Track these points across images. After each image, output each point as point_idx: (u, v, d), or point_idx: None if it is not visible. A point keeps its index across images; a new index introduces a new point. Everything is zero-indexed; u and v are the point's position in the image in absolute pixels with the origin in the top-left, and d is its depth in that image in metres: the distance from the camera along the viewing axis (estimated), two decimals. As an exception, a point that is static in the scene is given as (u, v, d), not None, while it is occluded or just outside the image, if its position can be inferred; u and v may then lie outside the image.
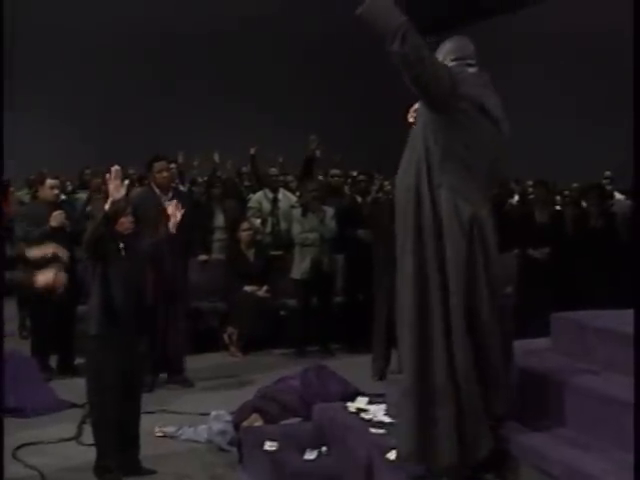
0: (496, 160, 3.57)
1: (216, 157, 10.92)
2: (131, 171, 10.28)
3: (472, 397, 3.40)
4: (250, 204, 8.92)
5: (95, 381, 4.47)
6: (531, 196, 9.70)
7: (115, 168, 4.29)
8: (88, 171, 10.43)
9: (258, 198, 8.88)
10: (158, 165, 6.61)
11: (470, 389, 3.40)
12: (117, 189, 4.28)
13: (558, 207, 9.48)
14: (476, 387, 3.41)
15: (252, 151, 9.86)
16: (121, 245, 4.52)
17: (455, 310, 3.40)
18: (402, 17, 3.27)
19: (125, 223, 4.54)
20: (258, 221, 8.67)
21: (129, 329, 4.54)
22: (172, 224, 5.17)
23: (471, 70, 3.59)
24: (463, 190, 3.43)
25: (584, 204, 8.75)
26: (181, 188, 8.80)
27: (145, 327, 4.96)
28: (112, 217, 4.37)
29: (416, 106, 3.77)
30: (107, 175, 4.34)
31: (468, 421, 3.40)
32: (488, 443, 3.43)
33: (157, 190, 6.60)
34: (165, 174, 6.63)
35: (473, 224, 3.41)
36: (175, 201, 5.77)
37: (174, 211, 5.16)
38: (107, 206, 4.33)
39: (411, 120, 3.81)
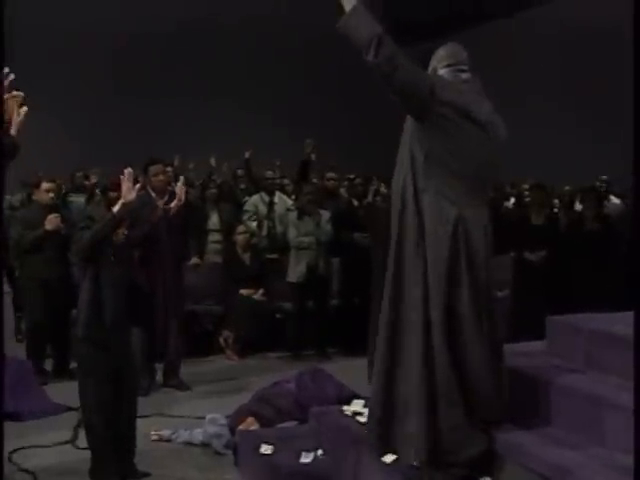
0: (487, 165, 3.57)
1: (212, 161, 10.94)
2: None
3: (451, 402, 3.41)
4: (246, 207, 8.92)
5: (86, 384, 4.45)
6: (527, 199, 9.72)
7: (128, 170, 4.30)
8: (79, 174, 10.41)
9: (254, 201, 8.88)
10: (154, 168, 6.61)
11: (449, 394, 3.41)
12: (130, 191, 4.29)
13: (556, 210, 9.51)
14: (455, 391, 3.41)
15: (247, 155, 9.88)
16: (110, 251, 4.49)
17: (435, 311, 3.42)
18: (376, 28, 3.35)
19: (119, 233, 4.53)
20: (254, 224, 8.67)
21: (119, 331, 4.53)
22: (175, 205, 5.19)
23: (464, 76, 3.63)
24: (448, 194, 3.46)
25: (579, 207, 8.77)
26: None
27: (141, 319, 4.94)
28: (121, 219, 4.37)
29: None
30: (121, 177, 4.34)
31: (444, 425, 3.42)
32: (475, 444, 3.45)
33: (153, 193, 6.60)
34: (161, 177, 6.63)
35: (458, 224, 3.43)
36: (181, 183, 5.93)
37: (180, 193, 5.19)
38: (117, 208, 4.33)
39: None
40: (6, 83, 3.09)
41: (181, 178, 6.47)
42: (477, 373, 3.44)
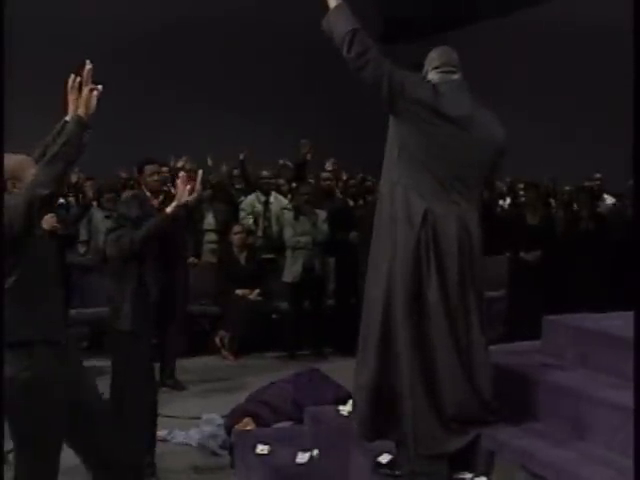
0: (467, 163, 3.54)
1: (209, 161, 10.95)
2: (123, 174, 10.28)
3: (413, 394, 3.42)
4: (242, 206, 8.93)
5: (128, 377, 4.51)
6: (522, 198, 9.73)
7: (182, 174, 4.56)
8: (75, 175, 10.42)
9: (250, 201, 8.89)
10: (150, 168, 6.54)
11: (410, 386, 3.42)
12: (184, 193, 4.52)
13: (555, 209, 9.51)
14: (417, 383, 3.42)
15: (241, 156, 9.88)
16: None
17: (399, 305, 3.43)
18: (352, 25, 3.47)
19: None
20: (251, 221, 8.67)
21: (161, 324, 4.71)
22: (194, 198, 5.29)
23: (454, 77, 3.65)
24: (419, 188, 3.48)
25: (575, 206, 8.78)
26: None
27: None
28: (174, 219, 4.54)
29: None
30: (177, 180, 4.64)
31: (406, 418, 3.45)
32: (449, 442, 3.46)
33: (148, 193, 6.52)
34: (156, 177, 6.56)
35: (427, 218, 3.43)
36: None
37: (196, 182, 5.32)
38: (171, 208, 4.54)
39: None
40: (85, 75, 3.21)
41: (199, 172, 6.51)
42: (445, 370, 3.43)
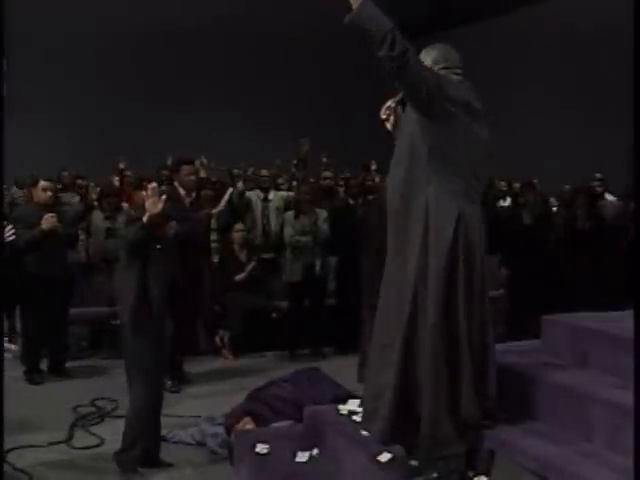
0: (482, 163, 3.57)
1: (204, 159, 10.99)
2: (128, 172, 10.29)
3: (435, 397, 3.42)
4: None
5: (132, 373, 4.60)
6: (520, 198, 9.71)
7: (152, 186, 4.53)
8: (65, 173, 10.41)
9: (250, 198, 8.89)
10: (187, 168, 6.90)
11: (432, 386, 3.42)
12: (154, 205, 4.47)
13: (555, 209, 9.49)
14: (442, 383, 3.42)
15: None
16: (158, 246, 4.63)
17: (431, 305, 3.42)
18: (389, 23, 3.41)
19: (167, 229, 4.70)
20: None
21: (163, 323, 4.68)
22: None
23: (460, 78, 3.66)
24: (450, 188, 3.47)
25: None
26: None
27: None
28: (150, 227, 4.53)
29: (389, 103, 3.86)
30: (143, 192, 4.63)
31: (426, 420, 3.45)
32: (458, 442, 3.47)
33: (182, 191, 6.81)
34: (192, 178, 6.87)
35: (460, 218, 3.43)
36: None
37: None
38: (145, 218, 4.49)
39: (383, 117, 3.89)
40: None
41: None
42: (466, 372, 3.43)
